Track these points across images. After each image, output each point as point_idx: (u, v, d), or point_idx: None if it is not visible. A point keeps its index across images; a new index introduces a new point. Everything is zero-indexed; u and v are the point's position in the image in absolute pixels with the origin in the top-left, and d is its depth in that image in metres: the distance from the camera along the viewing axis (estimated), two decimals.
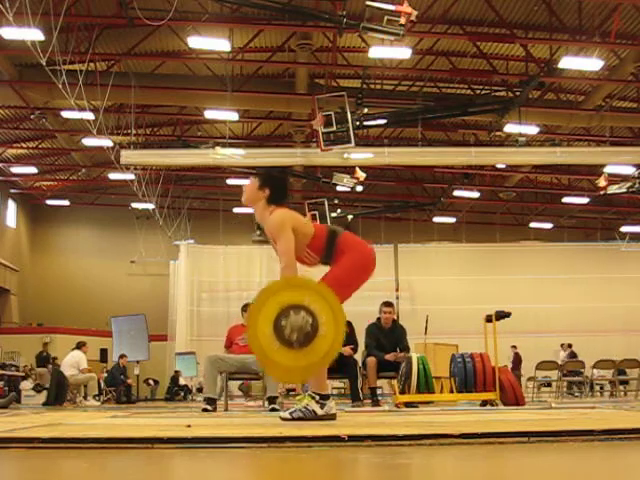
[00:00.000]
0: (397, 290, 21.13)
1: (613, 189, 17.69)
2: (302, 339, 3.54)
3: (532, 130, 17.29)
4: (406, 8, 10.56)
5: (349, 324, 8.45)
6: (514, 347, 18.00)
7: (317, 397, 3.93)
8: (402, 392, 7.29)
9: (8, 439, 2.55)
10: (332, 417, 3.94)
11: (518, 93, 15.20)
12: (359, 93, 14.81)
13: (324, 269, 4.20)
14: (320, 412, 3.89)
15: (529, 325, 18.96)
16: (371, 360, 8.18)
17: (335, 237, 4.14)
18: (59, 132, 18.91)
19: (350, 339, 8.25)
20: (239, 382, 12.83)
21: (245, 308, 8.19)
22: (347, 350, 8.05)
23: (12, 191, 23.07)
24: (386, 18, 10.68)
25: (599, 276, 20.97)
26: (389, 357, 8.12)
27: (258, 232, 24.19)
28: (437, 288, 20.75)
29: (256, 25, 14.32)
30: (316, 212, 18.81)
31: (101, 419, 4.66)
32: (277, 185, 4.21)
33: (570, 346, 17.87)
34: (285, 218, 4.05)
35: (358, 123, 14.53)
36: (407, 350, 8.23)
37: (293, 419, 3.86)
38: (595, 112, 16.30)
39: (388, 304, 8.66)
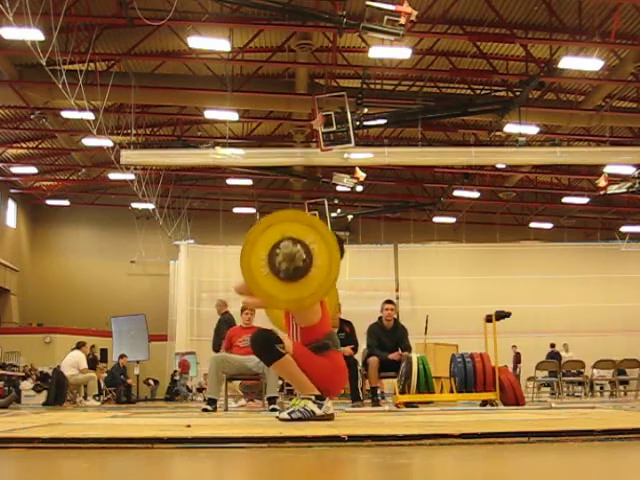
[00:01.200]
0: (397, 290, 21.14)
1: (613, 189, 17.68)
2: (291, 272, 3.57)
3: (532, 130, 17.28)
4: (406, 8, 10.56)
5: (350, 324, 8.46)
6: (514, 347, 18.01)
7: (313, 397, 3.97)
8: (402, 392, 7.29)
9: (8, 439, 2.55)
10: (330, 417, 3.97)
11: (518, 93, 15.20)
12: (359, 93, 14.80)
13: None
14: (318, 412, 3.92)
15: (529, 325, 18.97)
16: (373, 360, 8.18)
17: (329, 349, 4.15)
18: (59, 132, 18.91)
19: (350, 339, 8.25)
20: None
21: (245, 308, 8.19)
22: (347, 350, 8.05)
23: (12, 191, 23.07)
24: (386, 18, 10.68)
25: (599, 276, 20.98)
26: (393, 356, 8.12)
27: None
28: (437, 288, 20.76)
29: (256, 25, 14.32)
30: (316, 212, 18.81)
31: (101, 419, 4.66)
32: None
33: (553, 346, 17.93)
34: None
35: (358, 123, 14.53)
36: (409, 350, 8.23)
37: (292, 420, 3.87)
38: (595, 112, 16.30)
39: (390, 301, 8.71)
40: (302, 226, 3.68)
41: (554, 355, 17.74)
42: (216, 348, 11.01)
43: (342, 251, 4.27)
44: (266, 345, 4.07)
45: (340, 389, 4.35)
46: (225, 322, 11.10)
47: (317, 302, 3.93)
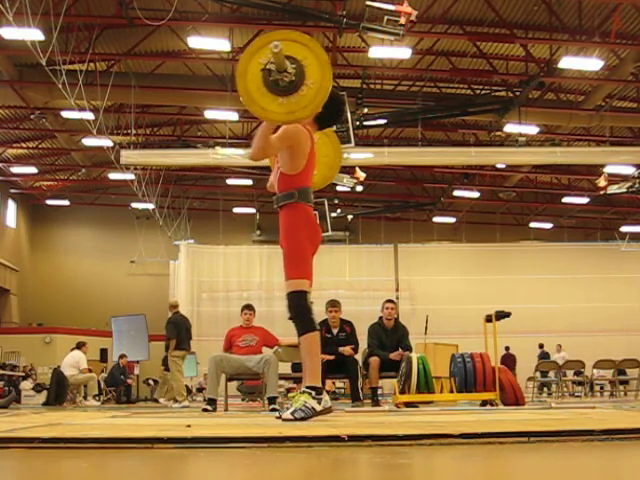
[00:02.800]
0: (397, 290, 21.15)
1: (613, 189, 17.69)
2: (285, 84, 3.61)
3: (532, 130, 17.29)
4: (406, 8, 10.56)
5: (350, 324, 8.46)
6: (507, 348, 17.80)
7: (313, 392, 3.89)
8: (402, 392, 7.29)
9: (8, 439, 2.55)
10: (329, 410, 3.94)
11: (518, 93, 15.22)
12: (359, 93, 14.81)
13: None
14: (319, 408, 3.86)
15: (529, 325, 18.95)
16: (374, 360, 8.18)
17: (294, 197, 4.06)
18: (59, 132, 18.92)
19: (351, 339, 8.26)
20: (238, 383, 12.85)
21: (245, 308, 8.20)
22: (348, 350, 8.06)
23: (12, 191, 23.08)
24: (386, 18, 10.68)
25: (599, 276, 20.98)
26: (394, 356, 8.12)
27: (258, 232, 24.23)
28: (437, 288, 20.76)
29: (256, 25, 14.32)
30: (316, 212, 18.79)
31: (101, 419, 4.66)
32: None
33: (541, 346, 17.89)
34: (296, 134, 4.00)
35: (358, 123, 14.54)
36: (410, 350, 8.24)
37: (296, 420, 3.80)
38: (595, 112, 16.31)
39: (390, 301, 8.74)
40: (295, 44, 3.72)
41: (544, 355, 17.74)
42: (166, 348, 11.37)
43: (339, 113, 4.25)
44: (306, 312, 3.96)
45: (311, 240, 4.08)
46: (172, 322, 11.40)
47: (309, 116, 3.88)
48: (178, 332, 11.27)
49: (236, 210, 24.20)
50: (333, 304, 8.31)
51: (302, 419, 3.80)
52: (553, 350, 18.48)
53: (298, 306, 3.98)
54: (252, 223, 24.43)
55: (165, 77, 16.04)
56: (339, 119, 4.46)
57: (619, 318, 20.28)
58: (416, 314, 17.99)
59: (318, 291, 4.17)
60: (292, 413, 3.85)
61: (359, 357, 8.66)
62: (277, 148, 4.03)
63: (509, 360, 17.64)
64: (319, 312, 4.68)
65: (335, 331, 8.21)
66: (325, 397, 3.94)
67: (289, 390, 12.80)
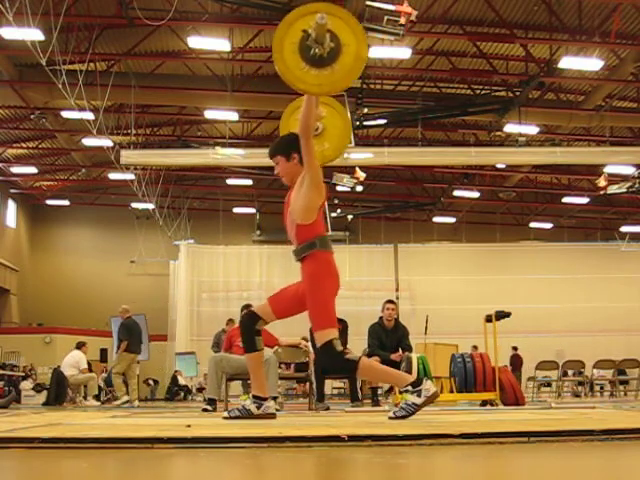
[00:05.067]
0: (397, 290, 21.14)
1: (613, 189, 17.68)
2: (316, 56, 3.62)
3: (532, 130, 17.29)
4: (406, 8, 10.55)
5: (343, 322, 8.45)
6: (514, 348, 17.87)
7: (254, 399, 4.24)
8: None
9: (8, 439, 2.55)
10: (272, 416, 4.22)
11: (518, 93, 15.21)
12: (359, 93, 14.80)
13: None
14: (256, 412, 4.18)
15: (529, 325, 18.95)
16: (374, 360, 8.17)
17: (314, 247, 4.11)
18: (59, 132, 18.91)
19: (341, 338, 8.23)
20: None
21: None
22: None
23: (12, 191, 23.07)
24: (386, 18, 10.66)
25: (599, 276, 20.98)
26: (394, 357, 8.12)
27: (258, 232, 24.24)
28: (437, 288, 20.75)
29: (256, 25, 14.32)
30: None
31: (101, 419, 4.66)
32: (290, 145, 4.18)
33: (515, 349, 17.84)
34: (320, 179, 4.09)
35: (358, 123, 14.54)
36: (410, 350, 8.23)
37: (230, 418, 4.17)
38: (595, 112, 16.30)
39: (391, 301, 8.72)
40: (345, 26, 3.81)
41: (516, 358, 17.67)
42: (117, 349, 11.84)
43: (292, 148, 4.17)
44: (340, 360, 4.09)
45: (334, 288, 4.15)
46: (124, 326, 11.96)
47: (333, 92, 3.95)
48: (130, 336, 11.80)
49: (236, 210, 24.19)
50: None
51: (237, 417, 4.17)
52: (551, 351, 18.44)
53: (334, 355, 4.06)
54: (252, 223, 24.43)
55: (165, 77, 16.03)
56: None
57: (619, 318, 20.27)
58: (416, 314, 17.99)
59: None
60: (229, 412, 4.27)
61: None
62: (318, 169, 4.05)
63: (516, 360, 17.69)
64: None
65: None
66: (269, 403, 4.25)
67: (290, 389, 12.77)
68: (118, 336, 11.96)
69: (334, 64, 3.69)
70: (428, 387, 3.94)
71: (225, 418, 4.24)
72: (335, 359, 4.07)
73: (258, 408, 4.20)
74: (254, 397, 4.26)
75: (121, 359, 11.84)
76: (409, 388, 3.94)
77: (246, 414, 4.18)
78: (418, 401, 3.88)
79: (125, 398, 11.50)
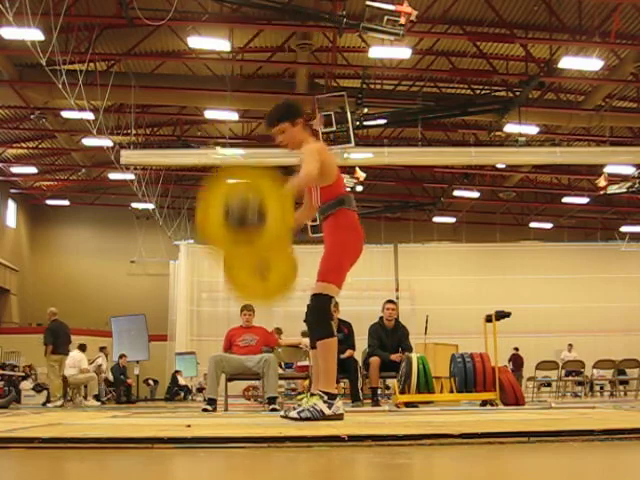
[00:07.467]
0: (397, 290, 21.13)
1: (613, 189, 17.69)
2: (245, 220, 3.54)
3: (532, 130, 17.28)
4: (406, 8, 10.57)
5: (348, 325, 8.45)
6: (515, 349, 17.89)
7: (325, 397, 3.86)
8: (402, 392, 7.29)
9: (8, 439, 2.55)
10: (339, 417, 3.86)
11: (518, 93, 15.21)
12: (359, 93, 14.81)
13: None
14: (328, 412, 3.82)
15: (529, 325, 18.96)
16: (374, 360, 8.18)
17: (342, 204, 4.12)
18: (59, 132, 18.91)
19: (349, 340, 8.25)
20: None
21: (244, 308, 8.20)
22: (347, 353, 8.07)
23: (12, 191, 23.07)
24: (386, 18, 10.69)
25: (599, 276, 20.97)
26: (395, 357, 8.12)
27: None
28: (437, 288, 20.75)
29: (256, 25, 14.32)
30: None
31: (101, 419, 4.66)
32: (294, 110, 4.15)
33: (516, 349, 17.85)
34: (316, 149, 4.06)
35: (358, 123, 14.54)
36: (410, 350, 8.24)
37: (301, 419, 3.78)
38: (595, 112, 16.30)
39: (391, 301, 8.74)
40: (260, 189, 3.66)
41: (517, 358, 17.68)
42: (45, 353, 12.20)
43: (296, 113, 4.15)
44: (327, 317, 3.95)
45: (356, 248, 4.09)
46: (50, 329, 12.39)
47: (266, 252, 3.84)
48: (56, 338, 12.17)
49: None
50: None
51: (307, 419, 3.78)
52: (551, 351, 18.45)
53: (322, 309, 3.96)
54: None
55: (165, 77, 16.03)
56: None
57: (619, 318, 20.27)
58: (416, 314, 17.96)
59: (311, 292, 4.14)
60: (299, 412, 3.83)
61: (359, 357, 8.66)
62: (315, 167, 3.94)
63: (517, 361, 17.70)
64: None
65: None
66: (338, 403, 3.89)
67: (291, 390, 12.82)
68: (44, 340, 12.30)
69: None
70: (339, 406, 3.87)
71: (291, 418, 3.82)
72: (323, 315, 3.94)
73: (329, 408, 3.83)
74: (324, 393, 3.86)
75: (50, 363, 12.17)
76: (324, 396, 3.84)
77: (319, 415, 3.79)
78: (327, 411, 3.80)
79: (58, 403, 11.80)
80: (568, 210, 23.79)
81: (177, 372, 19.31)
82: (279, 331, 11.32)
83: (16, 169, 21.75)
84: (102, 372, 15.17)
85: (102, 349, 15.82)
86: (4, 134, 19.50)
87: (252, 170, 3.77)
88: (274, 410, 6.55)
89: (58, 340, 12.19)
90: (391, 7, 10.67)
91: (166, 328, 21.43)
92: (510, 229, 24.33)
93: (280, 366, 8.34)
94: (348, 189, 19.05)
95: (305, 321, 4.08)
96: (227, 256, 3.70)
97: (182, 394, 18.91)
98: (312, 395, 3.91)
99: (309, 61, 15.53)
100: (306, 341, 7.80)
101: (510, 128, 16.49)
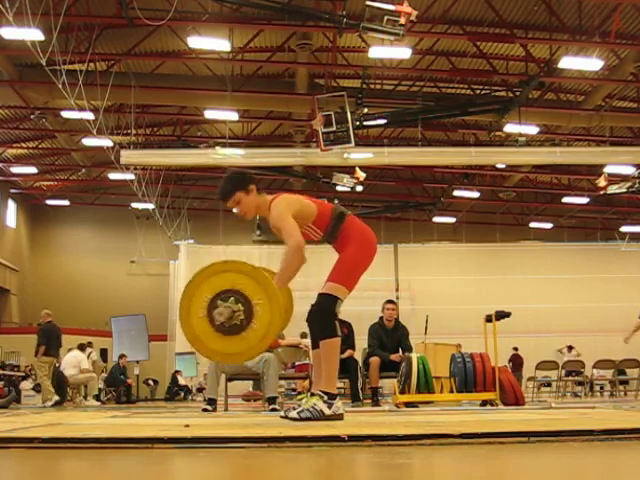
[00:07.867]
0: (397, 290, 21.11)
1: (613, 189, 17.68)
2: (225, 328, 3.55)
3: (532, 130, 17.28)
4: (406, 8, 10.57)
5: (348, 326, 8.44)
6: (515, 349, 17.88)
7: (325, 397, 3.85)
8: (402, 392, 7.29)
9: (8, 439, 2.55)
10: (339, 417, 3.85)
11: (518, 93, 15.21)
12: (359, 93, 14.80)
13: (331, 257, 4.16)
14: (328, 412, 3.81)
15: (529, 325, 18.94)
16: (374, 360, 8.17)
17: (342, 220, 4.12)
18: (59, 132, 18.91)
19: (348, 341, 8.25)
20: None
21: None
22: (347, 353, 8.06)
23: (12, 191, 23.07)
24: (386, 18, 10.68)
25: (599, 276, 20.95)
26: (394, 357, 8.12)
27: (258, 232, 24.21)
28: (437, 288, 20.73)
29: (256, 25, 14.32)
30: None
31: (101, 419, 4.66)
32: (245, 178, 4.14)
33: (516, 349, 17.84)
34: (282, 208, 4.01)
35: (358, 123, 14.52)
36: (410, 350, 8.23)
37: (301, 419, 3.77)
38: (595, 112, 16.30)
39: (391, 301, 8.74)
40: (254, 283, 3.62)
41: (517, 358, 17.67)
42: (36, 354, 12.21)
43: (247, 181, 4.09)
44: (333, 317, 3.93)
45: (373, 250, 4.11)
46: (43, 330, 12.48)
47: (243, 361, 3.89)
48: (49, 340, 12.21)
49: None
50: None
51: (307, 419, 3.78)
52: (551, 351, 18.45)
53: (328, 309, 3.95)
54: (252, 223, 24.38)
55: (165, 77, 16.03)
56: None
57: (619, 318, 20.19)
58: (416, 314, 17.94)
59: (318, 291, 4.12)
60: (299, 412, 3.82)
61: (359, 357, 8.66)
62: (293, 226, 3.93)
63: (517, 361, 17.69)
64: None
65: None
66: (338, 403, 3.88)
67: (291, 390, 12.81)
68: (37, 341, 12.30)
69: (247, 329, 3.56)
70: (339, 406, 3.87)
71: (292, 418, 3.81)
72: (329, 315, 3.93)
73: (329, 408, 3.82)
74: (324, 393, 3.85)
75: (40, 364, 12.18)
76: (324, 396, 3.83)
77: (318, 416, 3.78)
78: (327, 411, 3.80)
79: (49, 403, 11.75)
80: (568, 210, 23.79)
81: (177, 372, 19.31)
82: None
83: (16, 169, 21.75)
84: (100, 367, 15.10)
85: (89, 344, 15.60)
86: (4, 134, 19.50)
87: (240, 266, 3.70)
88: (274, 410, 6.55)
89: (50, 342, 12.22)
90: (391, 7, 10.67)
91: (166, 328, 21.41)
92: (510, 229, 24.32)
93: (284, 368, 8.30)
94: (348, 189, 19.12)
95: (307, 320, 4.07)
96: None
97: (182, 394, 18.91)
98: (312, 395, 3.91)
99: (309, 61, 15.53)
100: (306, 342, 7.80)
101: (510, 128, 16.48)
